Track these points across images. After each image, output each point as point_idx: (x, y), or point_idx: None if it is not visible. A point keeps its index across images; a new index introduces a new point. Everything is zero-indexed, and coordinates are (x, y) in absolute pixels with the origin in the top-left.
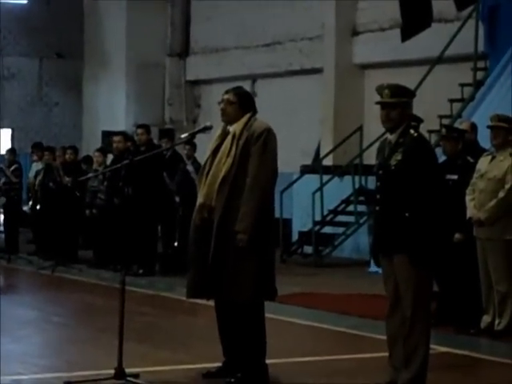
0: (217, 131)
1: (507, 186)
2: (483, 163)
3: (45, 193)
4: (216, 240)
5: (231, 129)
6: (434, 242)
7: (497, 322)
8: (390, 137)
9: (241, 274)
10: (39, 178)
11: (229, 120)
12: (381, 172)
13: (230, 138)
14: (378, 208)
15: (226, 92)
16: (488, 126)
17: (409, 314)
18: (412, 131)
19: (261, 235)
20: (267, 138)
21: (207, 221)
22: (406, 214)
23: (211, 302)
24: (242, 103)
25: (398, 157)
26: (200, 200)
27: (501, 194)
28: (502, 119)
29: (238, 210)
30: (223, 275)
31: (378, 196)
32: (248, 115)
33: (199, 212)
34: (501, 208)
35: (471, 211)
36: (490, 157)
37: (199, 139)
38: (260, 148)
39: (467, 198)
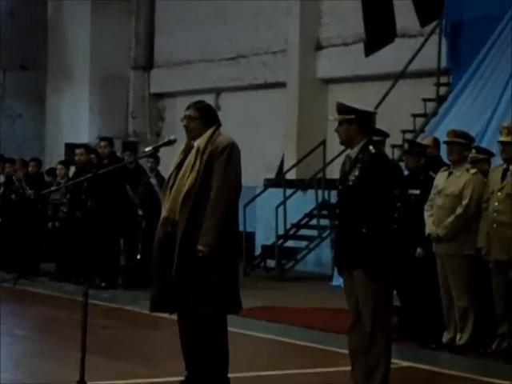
0: (181, 145)
1: (465, 202)
2: (440, 179)
3: (6, 205)
4: (179, 254)
5: (195, 143)
6: (391, 257)
7: (458, 337)
8: (351, 152)
9: (204, 288)
10: (0, 190)
11: (193, 136)
12: (340, 187)
13: (194, 152)
14: (337, 223)
15: (187, 108)
16: (444, 142)
17: (368, 328)
18: (371, 147)
19: (224, 249)
20: (231, 152)
21: (171, 235)
22: (363, 230)
23: (174, 316)
24: (205, 118)
25: (356, 172)
26: (164, 214)
27: (458, 210)
28: (458, 135)
29: (202, 225)
30: (186, 289)
31: (337, 211)
32: (212, 129)
33: (163, 226)
34: (459, 224)
35: (430, 227)
36: (446, 172)
37: (163, 152)
38: (224, 162)
39: (426, 214)
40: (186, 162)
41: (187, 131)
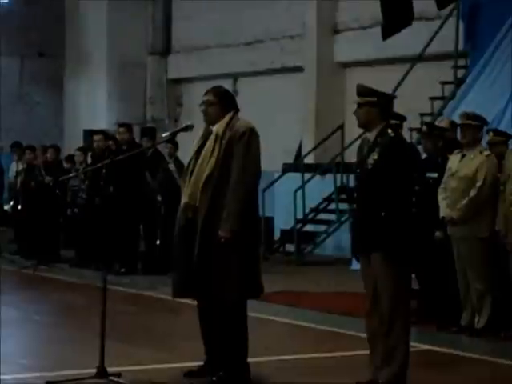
0: (200, 131)
1: (478, 184)
2: (454, 162)
3: (26, 192)
4: (201, 240)
5: (214, 129)
6: (410, 239)
7: (476, 319)
8: (369, 135)
9: (226, 274)
10: (20, 177)
11: (211, 121)
12: (358, 171)
13: (213, 137)
14: (355, 206)
15: (206, 93)
16: (457, 125)
17: (387, 312)
18: (389, 131)
19: (245, 234)
20: (250, 138)
21: (191, 221)
22: (382, 213)
23: (193, 301)
24: (223, 103)
25: (375, 156)
26: (184, 200)
27: (472, 193)
28: (470, 117)
29: (222, 210)
30: (209, 274)
31: (355, 195)
32: (230, 114)
33: (184, 212)
34: (473, 206)
35: (444, 210)
36: (460, 155)
37: (182, 138)
38: (243, 148)
39: (439, 196)
40: (206, 147)
41: (205, 116)
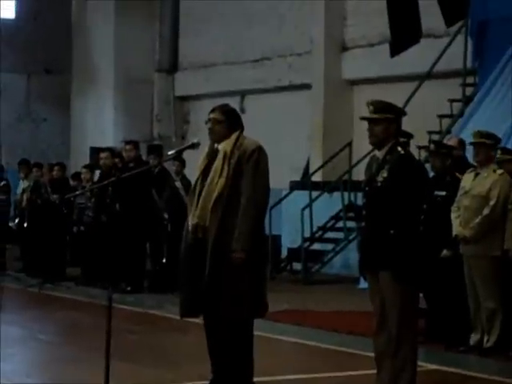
0: (204, 150)
1: (492, 203)
2: (467, 180)
3: (32, 209)
4: (211, 259)
5: (220, 147)
6: (419, 259)
7: (485, 339)
8: (378, 153)
9: (237, 293)
10: (26, 194)
11: (217, 139)
12: (367, 188)
13: (220, 157)
14: (364, 224)
15: (213, 111)
16: (470, 143)
17: (395, 331)
18: (399, 148)
19: (255, 253)
20: (259, 157)
21: (200, 240)
22: (391, 231)
23: (199, 320)
24: (230, 121)
25: (384, 174)
26: (193, 221)
27: (485, 211)
28: (484, 135)
29: (233, 230)
30: (219, 294)
31: (364, 212)
32: (237, 133)
33: (193, 232)
34: (486, 225)
35: (456, 229)
36: (473, 173)
37: (188, 155)
38: (253, 167)
39: (452, 215)
40: (214, 166)
41: (211, 134)
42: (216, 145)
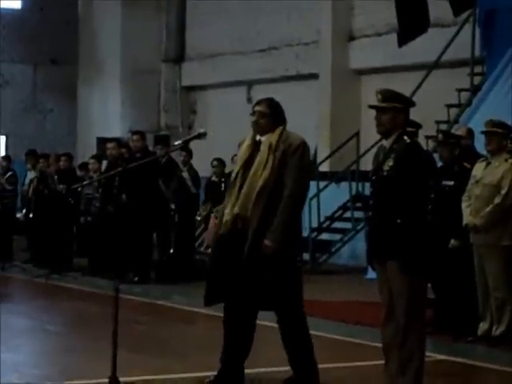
0: (245, 141)
1: (503, 192)
2: (478, 169)
3: (39, 200)
4: (250, 249)
5: (264, 139)
6: (426, 249)
7: (494, 328)
8: (385, 143)
9: (290, 289)
10: (33, 185)
11: (261, 132)
12: (374, 178)
13: (265, 149)
14: (371, 214)
15: (258, 103)
16: (482, 132)
17: (403, 322)
18: (405, 137)
19: (289, 246)
20: (304, 151)
21: (238, 230)
22: (398, 221)
23: (206, 311)
24: (275, 115)
25: (390, 162)
26: (233, 211)
27: (497, 200)
28: (496, 124)
29: (273, 222)
30: (256, 284)
31: (371, 202)
32: (281, 127)
33: (232, 223)
34: (497, 214)
35: (467, 218)
36: (485, 163)
37: (195, 145)
38: (298, 161)
39: (463, 204)
40: (258, 158)
41: (256, 126)
42: (258, 137)
